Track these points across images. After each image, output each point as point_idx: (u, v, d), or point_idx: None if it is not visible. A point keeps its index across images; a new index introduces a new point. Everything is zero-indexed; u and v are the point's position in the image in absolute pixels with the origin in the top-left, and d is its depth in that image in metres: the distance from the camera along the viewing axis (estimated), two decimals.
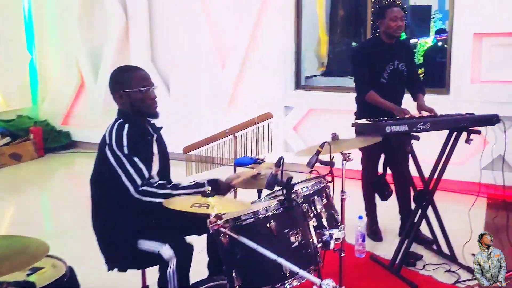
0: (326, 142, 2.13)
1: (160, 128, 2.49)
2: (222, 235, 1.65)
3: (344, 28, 6.87)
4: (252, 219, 1.66)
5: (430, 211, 3.21)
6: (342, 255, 2.54)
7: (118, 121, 2.30)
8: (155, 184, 2.13)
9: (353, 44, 6.79)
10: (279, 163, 1.66)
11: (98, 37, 6.54)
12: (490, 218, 4.02)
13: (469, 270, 3.05)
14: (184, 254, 2.14)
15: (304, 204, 1.81)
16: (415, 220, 3.20)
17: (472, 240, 3.35)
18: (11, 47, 6.52)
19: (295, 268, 1.35)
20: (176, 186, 2.15)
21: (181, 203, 1.67)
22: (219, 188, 2.20)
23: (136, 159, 2.16)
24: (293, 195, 1.73)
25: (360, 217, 3.47)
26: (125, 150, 2.16)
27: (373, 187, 3.59)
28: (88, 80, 6.68)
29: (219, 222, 1.54)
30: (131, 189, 2.11)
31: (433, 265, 3.20)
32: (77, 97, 6.96)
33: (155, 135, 2.39)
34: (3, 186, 5.49)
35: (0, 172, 5.91)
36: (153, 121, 2.46)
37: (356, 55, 3.65)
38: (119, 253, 2.27)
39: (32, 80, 6.95)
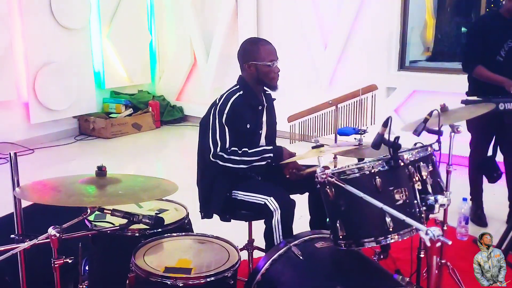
0: (435, 110, 2.14)
1: (274, 99, 2.70)
2: (328, 187, 1.77)
3: (453, 11, 6.53)
4: (357, 174, 1.76)
5: None
6: (445, 228, 2.56)
7: (235, 87, 2.55)
8: (229, 151, 2.40)
9: (463, 29, 6.45)
10: (387, 122, 1.73)
11: (209, 20, 6.89)
12: None
13: None
14: (288, 206, 2.34)
15: (410, 166, 1.86)
16: None
17: None
18: (135, 29, 7.09)
19: (401, 216, 1.42)
20: (246, 152, 2.42)
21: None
22: (282, 154, 2.43)
23: (227, 129, 2.43)
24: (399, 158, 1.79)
25: (464, 199, 3.38)
26: (223, 117, 2.43)
27: (481, 168, 3.46)
28: (200, 60, 7.07)
29: (327, 171, 1.67)
30: (211, 151, 2.41)
31: None
32: (189, 75, 7.40)
33: (265, 105, 2.60)
34: (126, 151, 6.11)
35: (123, 139, 6.54)
36: (268, 92, 2.66)
37: (472, 28, 3.49)
38: (216, 202, 2.51)
39: (151, 59, 7.53)
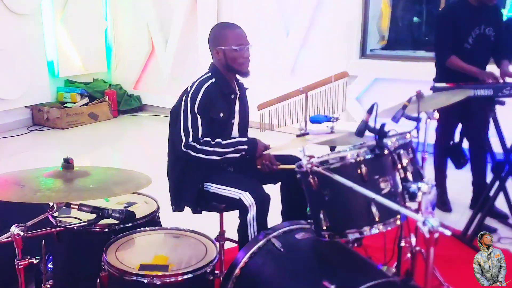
0: (413, 96, 2.12)
1: (246, 88, 2.61)
2: (311, 176, 1.70)
3: (409, 0, 6.66)
4: (342, 163, 1.69)
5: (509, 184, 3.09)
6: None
7: (207, 74, 2.44)
8: (202, 141, 2.29)
9: (415, 19, 6.58)
10: (371, 109, 1.68)
11: (168, 6, 6.68)
12: None
13: None
14: (263, 202, 2.25)
15: (392, 154, 1.81)
16: (492, 191, 3.10)
17: None
18: (90, 15, 6.82)
19: (394, 205, 1.37)
20: (219, 143, 2.31)
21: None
22: (256, 146, 2.36)
23: (199, 118, 2.32)
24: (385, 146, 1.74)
25: (432, 186, 3.42)
26: (196, 106, 2.32)
27: (449, 153, 3.50)
28: (158, 47, 6.89)
29: (313, 161, 1.60)
30: (183, 141, 2.29)
31: (509, 239, 3.11)
32: (147, 63, 7.21)
33: (238, 94, 2.50)
34: (82, 142, 5.87)
35: (79, 129, 6.30)
36: (241, 80, 2.57)
37: (440, 17, 3.51)
38: (187, 194, 2.41)
39: (107, 47, 7.26)
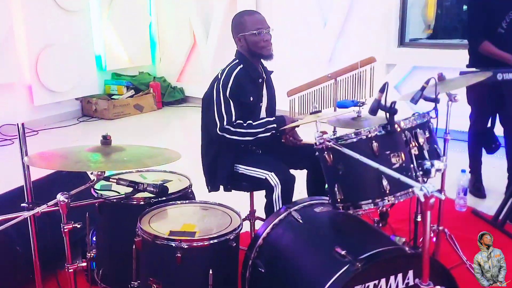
0: (431, 78, 2.18)
1: (271, 72, 2.73)
2: (326, 152, 1.82)
3: None
4: (355, 139, 1.81)
5: None
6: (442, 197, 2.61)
7: (234, 61, 2.58)
8: (235, 124, 2.43)
9: (464, 7, 6.40)
10: (383, 88, 1.78)
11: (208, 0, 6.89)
12: None
13: None
14: (288, 182, 2.38)
15: (406, 132, 1.90)
16: None
17: None
18: (134, 11, 7.13)
19: (396, 174, 1.47)
20: (251, 125, 2.46)
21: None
22: (284, 122, 2.47)
23: (231, 102, 2.45)
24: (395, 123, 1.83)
25: (463, 171, 3.43)
26: (227, 91, 2.45)
27: (480, 138, 3.50)
28: (200, 41, 7.10)
29: (325, 136, 1.72)
30: (218, 125, 2.43)
31: None
32: (189, 56, 7.44)
33: (265, 77, 2.63)
34: (128, 132, 6.17)
35: (125, 120, 6.63)
36: (266, 64, 2.69)
37: (473, 2, 3.49)
38: (221, 174, 2.57)
39: (151, 41, 7.56)
